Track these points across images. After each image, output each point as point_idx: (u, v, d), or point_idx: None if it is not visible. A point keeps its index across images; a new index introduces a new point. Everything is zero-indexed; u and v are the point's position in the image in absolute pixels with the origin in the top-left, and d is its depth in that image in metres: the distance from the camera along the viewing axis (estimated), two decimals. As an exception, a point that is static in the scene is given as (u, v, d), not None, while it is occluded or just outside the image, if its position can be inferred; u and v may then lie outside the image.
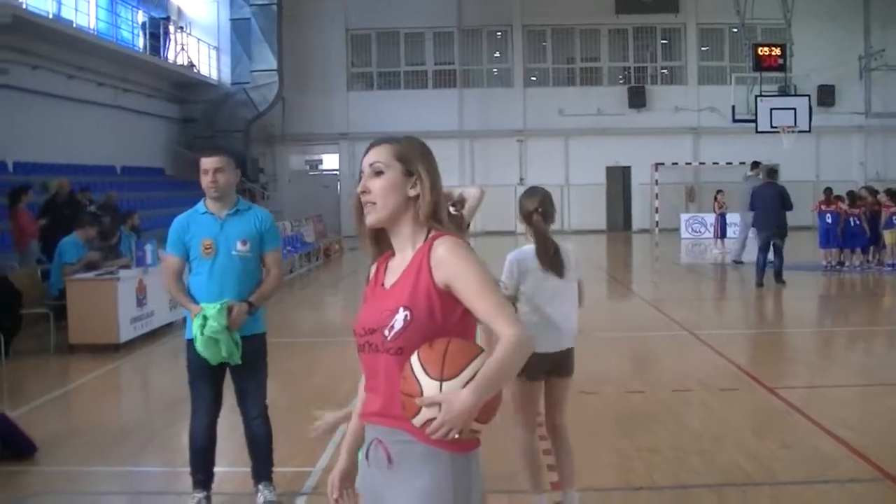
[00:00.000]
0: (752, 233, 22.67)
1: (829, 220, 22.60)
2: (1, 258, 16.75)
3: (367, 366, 3.37)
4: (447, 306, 3.26)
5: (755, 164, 24.98)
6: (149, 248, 14.81)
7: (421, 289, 3.26)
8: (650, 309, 17.66)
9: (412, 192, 3.40)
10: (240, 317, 6.58)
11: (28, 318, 14.09)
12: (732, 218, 28.92)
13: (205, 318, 6.48)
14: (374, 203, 3.37)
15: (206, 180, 6.71)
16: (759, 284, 19.95)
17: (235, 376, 6.84)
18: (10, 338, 12.95)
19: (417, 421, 3.09)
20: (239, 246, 6.70)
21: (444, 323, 3.24)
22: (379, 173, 3.39)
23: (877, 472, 7.33)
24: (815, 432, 8.53)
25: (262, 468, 6.99)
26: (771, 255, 20.07)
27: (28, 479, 8.09)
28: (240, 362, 6.65)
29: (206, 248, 6.62)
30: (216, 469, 6.95)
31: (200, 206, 6.83)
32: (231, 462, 7.65)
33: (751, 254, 22.83)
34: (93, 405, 11.01)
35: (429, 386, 3.08)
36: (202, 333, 6.47)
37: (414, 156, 3.45)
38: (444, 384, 3.06)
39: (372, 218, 3.39)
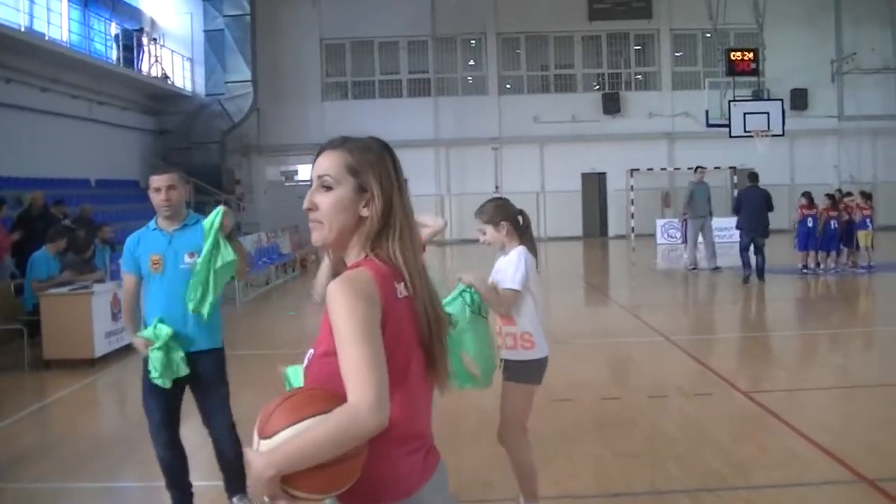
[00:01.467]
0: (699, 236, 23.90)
1: (810, 224, 22.71)
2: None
3: None
4: None
5: (699, 169, 25.02)
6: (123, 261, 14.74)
7: (325, 325, 2.91)
8: (627, 315, 17.69)
9: (364, 213, 3.04)
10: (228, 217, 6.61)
11: (1, 334, 14.03)
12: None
13: (156, 337, 6.53)
14: (321, 222, 3.04)
15: (158, 198, 6.71)
16: (747, 280, 21.31)
17: (197, 394, 6.83)
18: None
19: None
20: (186, 258, 6.69)
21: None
22: (328, 188, 3.05)
23: (854, 475, 7.35)
24: (792, 436, 8.56)
25: (234, 482, 6.98)
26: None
27: (5, 496, 8.05)
28: (186, 372, 6.60)
29: (154, 264, 6.66)
30: (196, 483, 6.92)
31: (152, 223, 6.87)
32: (207, 476, 7.61)
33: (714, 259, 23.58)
34: (69, 420, 10.95)
35: (254, 441, 2.83)
36: (158, 349, 6.51)
37: (369, 168, 3.06)
38: (261, 443, 2.78)
39: (316, 237, 3.07)
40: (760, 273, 21.43)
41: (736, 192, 23.34)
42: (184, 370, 6.57)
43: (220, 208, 6.63)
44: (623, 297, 21.35)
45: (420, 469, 3.03)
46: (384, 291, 2.89)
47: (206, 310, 6.56)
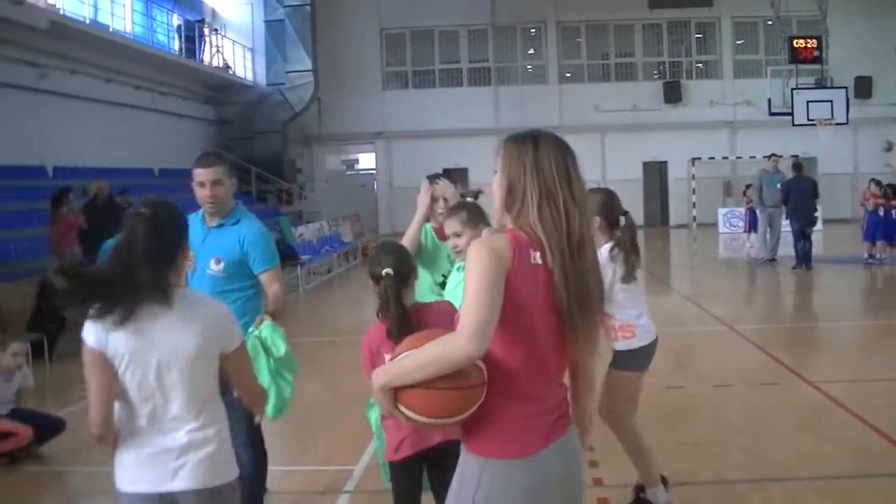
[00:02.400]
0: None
1: (881, 214, 22.30)
2: (40, 262, 16.91)
3: None
4: None
5: (772, 157, 24.36)
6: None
7: None
8: (690, 304, 17.60)
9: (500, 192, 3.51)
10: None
11: (70, 321, 14.21)
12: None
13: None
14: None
15: (202, 193, 6.16)
16: (797, 267, 21.42)
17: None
18: (54, 340, 13.07)
19: None
20: (212, 264, 6.10)
21: None
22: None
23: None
24: (861, 426, 8.48)
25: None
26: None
27: (73, 478, 8.20)
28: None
29: (188, 260, 5.43)
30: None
31: (201, 211, 6.32)
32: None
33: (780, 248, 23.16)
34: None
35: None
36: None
37: (500, 157, 3.50)
38: (387, 361, 3.35)
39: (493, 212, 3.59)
40: (807, 259, 21.36)
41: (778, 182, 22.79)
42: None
43: (266, 325, 5.63)
44: (685, 287, 21.23)
45: (543, 432, 3.31)
46: (516, 254, 3.24)
47: (270, 412, 5.46)
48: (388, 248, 5.13)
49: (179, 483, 3.79)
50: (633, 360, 6.39)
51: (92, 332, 3.76)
